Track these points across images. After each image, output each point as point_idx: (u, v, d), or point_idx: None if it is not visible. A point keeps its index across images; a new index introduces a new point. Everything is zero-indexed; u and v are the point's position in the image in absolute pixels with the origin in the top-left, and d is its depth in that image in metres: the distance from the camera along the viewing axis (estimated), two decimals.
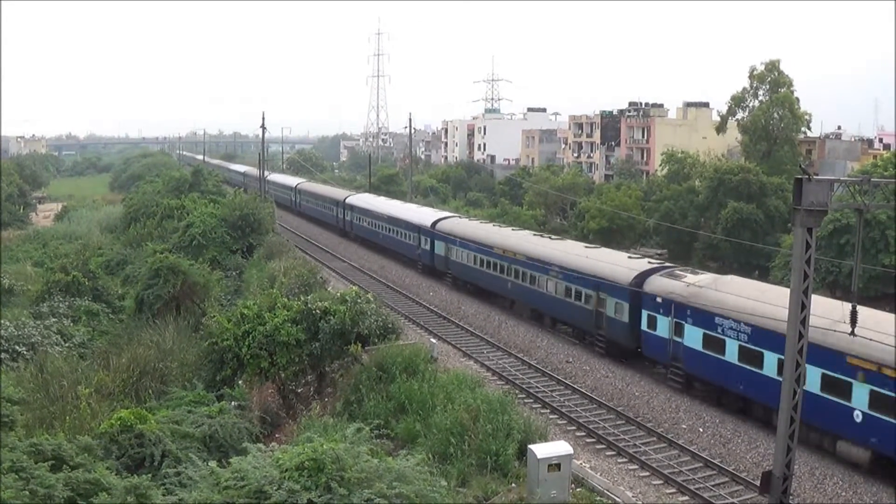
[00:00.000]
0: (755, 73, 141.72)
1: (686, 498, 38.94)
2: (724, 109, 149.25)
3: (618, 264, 61.69)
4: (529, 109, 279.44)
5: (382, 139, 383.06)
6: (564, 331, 68.14)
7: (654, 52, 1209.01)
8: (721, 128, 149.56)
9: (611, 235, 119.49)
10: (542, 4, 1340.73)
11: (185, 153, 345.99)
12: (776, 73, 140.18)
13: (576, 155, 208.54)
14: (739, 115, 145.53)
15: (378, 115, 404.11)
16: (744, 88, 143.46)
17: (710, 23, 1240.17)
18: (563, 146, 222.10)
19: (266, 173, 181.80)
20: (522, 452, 38.72)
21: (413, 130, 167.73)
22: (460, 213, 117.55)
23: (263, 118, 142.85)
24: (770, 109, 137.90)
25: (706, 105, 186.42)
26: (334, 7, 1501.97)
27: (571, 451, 37.35)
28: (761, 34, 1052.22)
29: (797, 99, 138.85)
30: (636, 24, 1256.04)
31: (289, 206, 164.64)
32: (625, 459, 43.28)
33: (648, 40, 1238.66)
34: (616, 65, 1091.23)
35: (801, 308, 30.91)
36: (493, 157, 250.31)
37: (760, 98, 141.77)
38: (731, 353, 48.30)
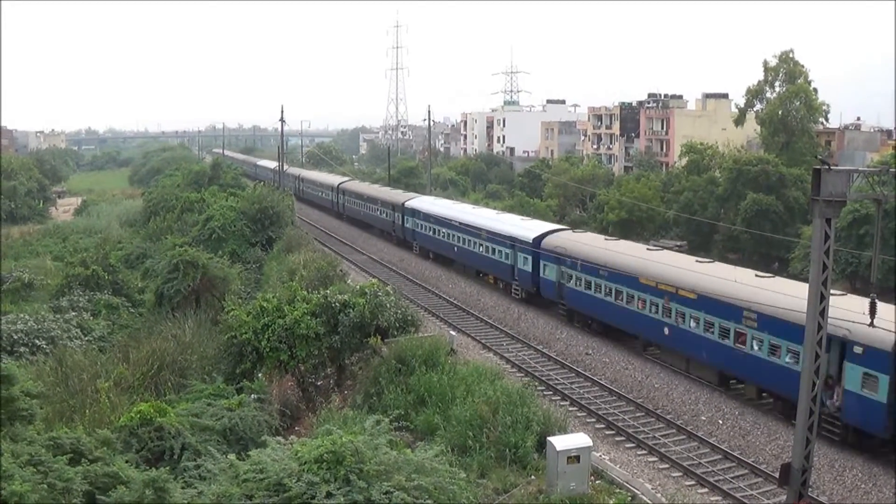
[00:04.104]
0: (769, 66, 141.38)
1: (705, 490, 38.86)
2: (743, 101, 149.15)
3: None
4: (548, 101, 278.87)
5: (402, 132, 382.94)
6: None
7: (673, 43, 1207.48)
8: (739, 120, 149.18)
9: (630, 227, 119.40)
10: None
11: (217, 151, 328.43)
12: (790, 64, 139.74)
13: (595, 146, 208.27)
14: (757, 106, 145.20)
15: (397, 108, 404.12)
16: (759, 81, 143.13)
17: (732, 13, 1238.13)
18: (582, 138, 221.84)
19: (340, 179, 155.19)
20: (542, 444, 38.74)
21: (432, 123, 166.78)
22: (480, 204, 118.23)
23: (282, 111, 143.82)
24: (786, 101, 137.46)
25: (725, 96, 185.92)
26: (352, 0, 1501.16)
27: (591, 443, 37.37)
28: (782, 25, 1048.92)
29: (814, 90, 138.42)
30: (655, 14, 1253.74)
31: (390, 232, 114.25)
32: (644, 451, 43.26)
33: (668, 31, 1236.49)
34: (635, 56, 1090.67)
35: (820, 299, 30.83)
36: (512, 150, 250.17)
37: (777, 90, 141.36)
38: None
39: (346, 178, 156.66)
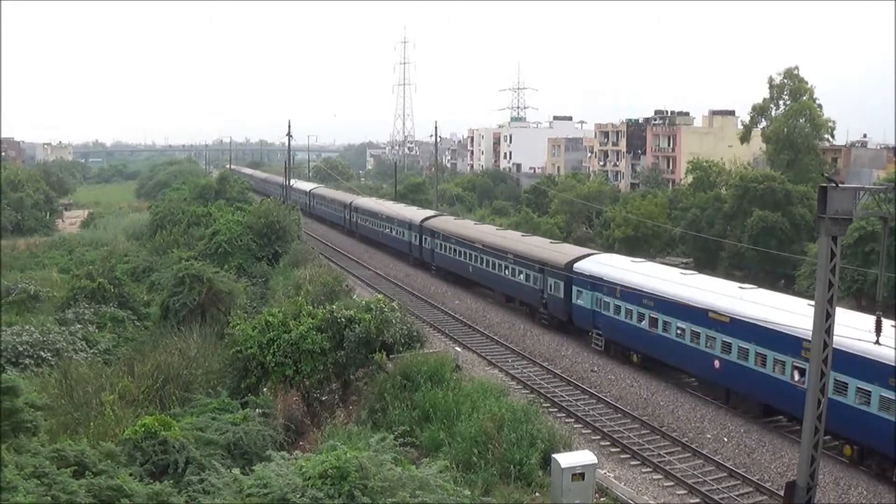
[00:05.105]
0: (774, 83, 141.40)
1: None
2: (748, 118, 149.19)
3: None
4: (555, 118, 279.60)
5: (408, 147, 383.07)
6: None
7: (681, 58, 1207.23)
8: (745, 138, 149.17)
9: (636, 244, 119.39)
10: (567, 13, 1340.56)
11: (240, 168, 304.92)
12: (795, 81, 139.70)
13: (601, 163, 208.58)
14: (763, 124, 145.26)
15: (404, 124, 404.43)
16: (764, 99, 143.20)
17: (741, 27, 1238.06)
18: (588, 154, 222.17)
19: (423, 214, 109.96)
20: (546, 462, 38.71)
21: (439, 139, 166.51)
22: (486, 220, 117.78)
23: (289, 126, 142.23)
24: (791, 118, 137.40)
25: (732, 113, 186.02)
26: (361, 15, 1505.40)
27: (595, 461, 37.33)
28: (792, 38, 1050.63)
29: (819, 106, 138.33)
30: (663, 31, 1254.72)
31: (534, 305, 75.99)
32: (649, 469, 43.20)
33: (676, 47, 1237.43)
34: (643, 73, 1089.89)
35: (826, 317, 30.77)
36: (518, 166, 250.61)
37: (782, 107, 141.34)
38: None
39: (432, 213, 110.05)
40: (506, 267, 79.24)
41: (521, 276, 76.34)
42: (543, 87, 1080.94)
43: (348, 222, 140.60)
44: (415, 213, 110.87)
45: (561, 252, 74.13)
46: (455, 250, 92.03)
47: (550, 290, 71.35)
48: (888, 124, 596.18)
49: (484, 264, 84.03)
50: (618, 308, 61.70)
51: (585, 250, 75.71)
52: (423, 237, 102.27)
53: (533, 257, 74.68)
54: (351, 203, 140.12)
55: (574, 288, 67.43)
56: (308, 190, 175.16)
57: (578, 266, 67.49)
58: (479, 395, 46.81)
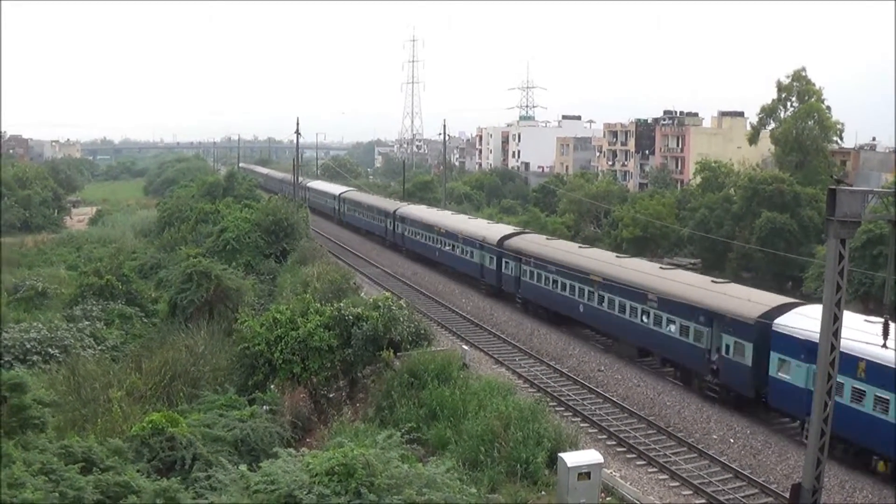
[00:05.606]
0: (782, 85, 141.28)
1: None
2: (756, 119, 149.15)
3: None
4: (564, 117, 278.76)
5: (417, 146, 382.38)
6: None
7: (687, 58, 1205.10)
8: (753, 139, 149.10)
9: (644, 244, 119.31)
10: (577, 12, 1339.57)
11: (253, 167, 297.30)
12: (803, 83, 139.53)
13: (610, 163, 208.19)
14: (771, 125, 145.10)
15: (412, 122, 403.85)
16: (773, 100, 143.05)
17: (744, 27, 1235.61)
18: (597, 154, 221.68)
19: (502, 230, 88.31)
20: (553, 460, 38.69)
21: (447, 137, 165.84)
22: (493, 219, 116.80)
23: (298, 123, 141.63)
24: (800, 120, 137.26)
25: (741, 114, 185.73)
26: (369, 13, 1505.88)
27: (602, 460, 37.34)
28: (805, 36, 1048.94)
29: (828, 108, 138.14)
30: (670, 30, 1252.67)
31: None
32: (655, 469, 43.13)
33: (682, 46, 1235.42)
34: (651, 71, 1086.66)
35: (833, 320, 30.74)
36: (527, 165, 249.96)
37: (791, 109, 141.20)
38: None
39: (513, 231, 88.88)
40: (644, 311, 58.95)
41: (672, 328, 56.17)
42: (552, 86, 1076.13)
43: (391, 234, 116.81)
44: (488, 229, 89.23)
45: (740, 297, 52.43)
46: (554, 282, 71.24)
47: (726, 352, 51.03)
48: (888, 125, 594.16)
49: (605, 304, 63.67)
50: (860, 394, 41.18)
51: (781, 298, 53.19)
52: (504, 261, 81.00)
53: (693, 301, 54.35)
54: (395, 211, 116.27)
55: (773, 354, 46.98)
56: (338, 194, 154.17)
57: (782, 322, 46.72)
58: (486, 394, 46.88)
